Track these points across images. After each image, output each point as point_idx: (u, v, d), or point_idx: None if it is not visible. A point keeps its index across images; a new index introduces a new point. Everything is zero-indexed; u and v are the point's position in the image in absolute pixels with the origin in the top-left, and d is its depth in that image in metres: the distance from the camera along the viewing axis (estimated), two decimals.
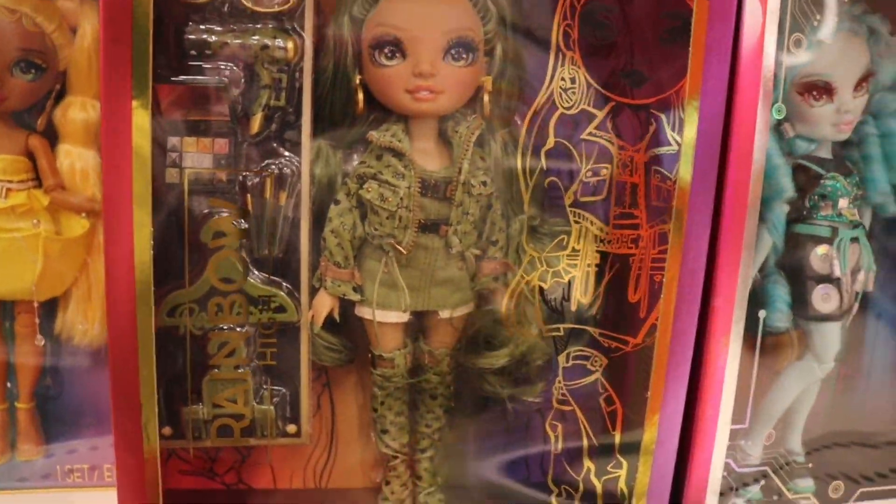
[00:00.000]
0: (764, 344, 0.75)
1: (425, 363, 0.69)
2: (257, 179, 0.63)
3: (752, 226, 0.67)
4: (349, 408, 0.74)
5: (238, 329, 0.65)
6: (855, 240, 0.75)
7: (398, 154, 0.62)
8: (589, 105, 0.63)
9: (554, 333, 0.66)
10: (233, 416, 0.66)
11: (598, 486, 0.70)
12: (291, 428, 0.69)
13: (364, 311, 0.66)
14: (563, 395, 0.68)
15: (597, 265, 0.66)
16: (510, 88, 0.65)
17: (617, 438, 0.69)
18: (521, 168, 0.66)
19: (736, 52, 0.63)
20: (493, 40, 0.63)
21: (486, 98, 0.64)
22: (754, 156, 0.66)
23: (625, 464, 0.69)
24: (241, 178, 0.63)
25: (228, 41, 0.60)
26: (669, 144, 0.63)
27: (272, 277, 0.65)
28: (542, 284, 0.65)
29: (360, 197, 0.63)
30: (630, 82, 0.63)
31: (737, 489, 0.73)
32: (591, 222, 0.65)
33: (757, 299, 0.73)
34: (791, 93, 0.70)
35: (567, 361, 0.67)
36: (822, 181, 0.73)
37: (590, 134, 0.63)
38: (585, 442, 0.69)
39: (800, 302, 0.73)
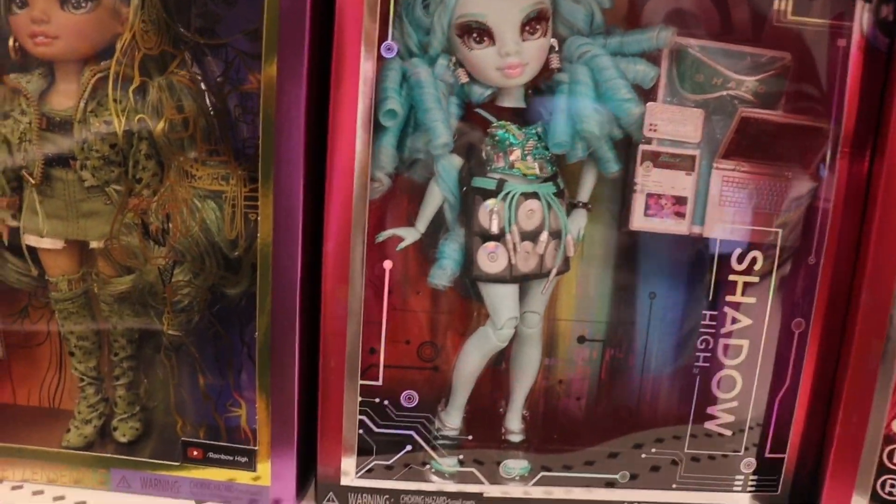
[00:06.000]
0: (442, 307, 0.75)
1: (95, 291, 0.74)
2: None
3: (364, 167, 0.67)
4: None
5: None
6: (532, 196, 0.69)
7: (24, 93, 0.69)
8: (169, 46, 0.66)
9: (159, 264, 0.69)
10: None
11: (221, 423, 0.71)
12: None
13: (23, 237, 0.73)
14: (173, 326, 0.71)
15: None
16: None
17: (231, 376, 0.70)
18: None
19: None
20: None
21: (118, 44, 0.68)
22: (361, 97, 0.65)
23: (243, 403, 0.70)
24: None
25: None
26: (249, 82, 0.64)
27: None
28: (149, 219, 0.69)
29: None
30: (204, 22, 0.65)
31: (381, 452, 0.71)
32: (183, 158, 0.67)
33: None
34: (452, 34, 0.67)
35: (174, 294, 0.69)
36: (490, 130, 0.69)
37: (171, 73, 0.66)
38: (201, 378, 0.71)
39: (468, 260, 0.70)
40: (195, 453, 0.73)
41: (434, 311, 0.76)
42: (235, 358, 0.73)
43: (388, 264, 0.70)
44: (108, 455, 0.75)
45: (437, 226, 0.72)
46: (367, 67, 0.65)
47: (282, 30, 0.63)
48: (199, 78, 0.69)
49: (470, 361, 0.74)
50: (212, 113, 0.69)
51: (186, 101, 0.69)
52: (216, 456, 0.72)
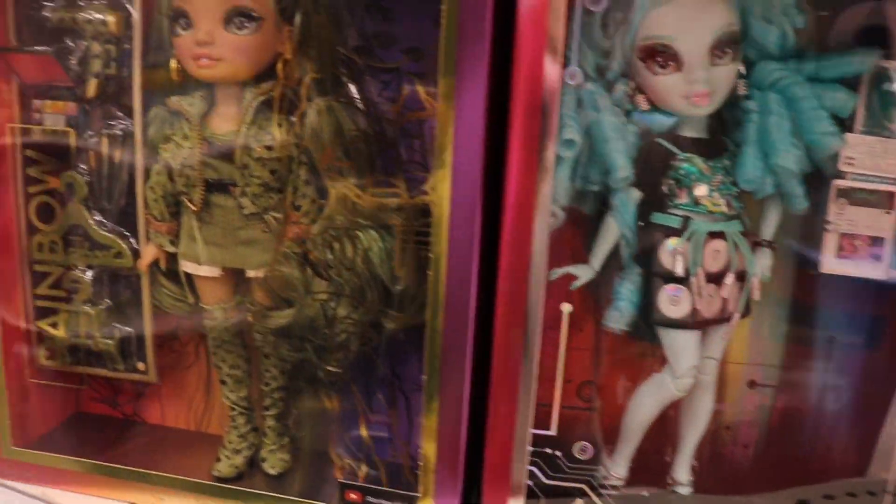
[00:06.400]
0: (604, 346, 0.67)
1: (250, 320, 0.72)
2: (96, 139, 0.71)
3: (544, 206, 0.61)
4: None
5: (86, 270, 0.73)
6: (719, 235, 0.63)
7: (187, 117, 0.66)
8: (331, 67, 0.62)
9: (321, 299, 0.65)
10: (83, 347, 0.75)
11: (380, 465, 0.67)
12: (140, 365, 0.76)
13: (181, 263, 0.71)
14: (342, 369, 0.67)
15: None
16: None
17: (393, 417, 0.66)
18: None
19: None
20: (288, 8, 0.64)
21: (279, 66, 0.65)
22: (542, 126, 0.60)
23: (405, 447, 0.66)
24: (85, 136, 0.71)
25: (64, 16, 0.68)
26: (424, 109, 0.60)
27: (115, 227, 0.73)
28: (308, 249, 0.65)
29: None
30: (378, 43, 0.61)
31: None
32: (349, 189, 0.63)
33: (601, 294, 0.66)
34: (633, 57, 0.61)
35: (337, 330, 0.66)
36: (674, 163, 0.63)
37: (333, 95, 0.63)
38: (361, 417, 0.67)
39: (648, 303, 0.64)
40: (353, 496, 0.69)
41: (596, 350, 0.70)
42: (396, 397, 0.69)
43: (566, 307, 0.65)
44: (264, 492, 0.72)
45: (611, 263, 0.67)
46: (549, 94, 0.60)
47: (460, 53, 0.59)
48: (364, 101, 0.66)
49: (643, 410, 0.69)
50: (377, 138, 0.65)
51: (348, 125, 0.65)
52: (376, 500, 0.68)
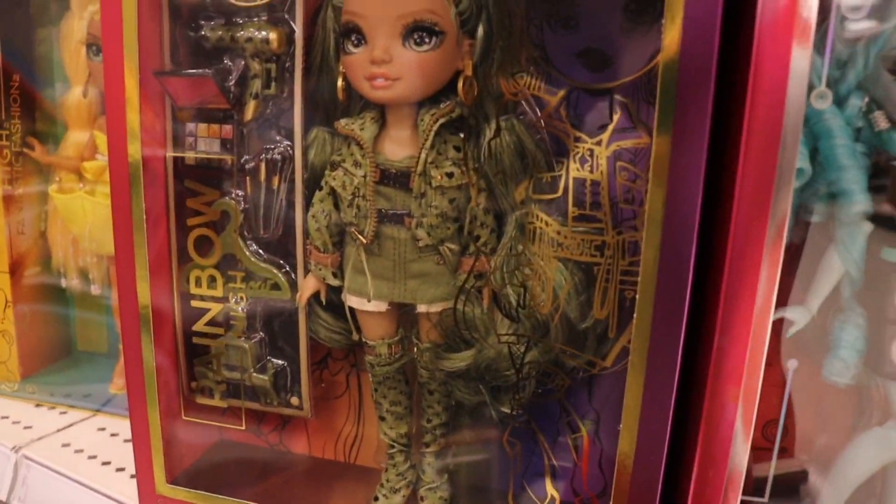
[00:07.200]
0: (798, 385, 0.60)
1: (415, 357, 0.65)
2: (253, 164, 0.65)
3: (776, 246, 0.53)
4: None
5: (240, 302, 0.68)
6: None
7: (358, 142, 0.60)
8: (540, 90, 0.54)
9: (509, 341, 0.58)
10: (236, 382, 0.70)
11: None
12: (294, 400, 0.70)
13: (345, 296, 0.65)
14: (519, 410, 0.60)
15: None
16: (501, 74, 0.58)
17: (584, 474, 0.59)
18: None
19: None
20: (469, 21, 0.57)
21: (460, 84, 0.58)
22: (780, 151, 0.51)
23: (595, 500, 0.59)
24: (241, 161, 0.65)
25: (223, 35, 0.63)
26: (639, 137, 0.52)
27: (271, 256, 0.67)
28: (495, 288, 0.58)
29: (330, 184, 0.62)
30: (588, 63, 0.53)
31: None
32: (546, 223, 0.56)
33: (820, 342, 0.58)
34: (878, 70, 0.53)
35: (524, 374, 0.59)
36: None
37: (515, 115, 0.56)
38: (547, 465, 0.60)
39: (877, 352, 0.56)
40: None
41: (791, 388, 0.62)
42: (580, 442, 0.62)
43: (792, 364, 0.57)
44: None
45: (827, 303, 0.58)
46: (791, 118, 0.52)
47: (682, 74, 0.51)
48: (545, 122, 0.59)
49: (859, 467, 0.60)
50: (567, 165, 0.58)
51: (532, 150, 0.58)
52: None
